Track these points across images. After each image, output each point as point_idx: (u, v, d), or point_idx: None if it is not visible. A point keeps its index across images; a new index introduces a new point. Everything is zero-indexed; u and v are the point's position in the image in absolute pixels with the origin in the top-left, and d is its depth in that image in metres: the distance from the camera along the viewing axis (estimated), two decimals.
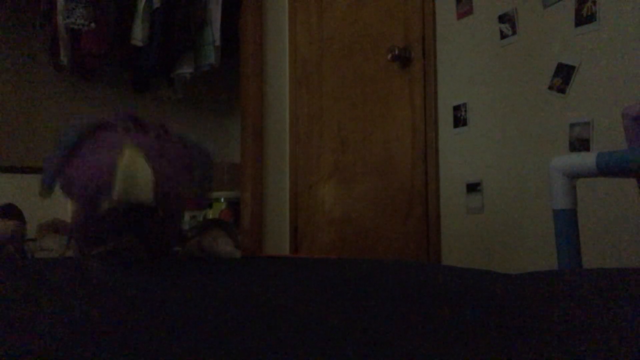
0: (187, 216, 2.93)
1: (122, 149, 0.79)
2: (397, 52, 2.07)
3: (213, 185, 1.00)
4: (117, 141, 0.86)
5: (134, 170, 0.78)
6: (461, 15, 1.91)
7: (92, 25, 2.54)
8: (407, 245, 2.05)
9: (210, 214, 2.94)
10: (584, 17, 1.53)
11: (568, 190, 1.08)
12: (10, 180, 2.87)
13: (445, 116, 1.95)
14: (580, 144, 1.53)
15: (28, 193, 2.86)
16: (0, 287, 0.63)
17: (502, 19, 1.76)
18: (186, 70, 2.80)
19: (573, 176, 1.08)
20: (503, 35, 1.76)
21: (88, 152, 0.86)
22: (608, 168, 1.01)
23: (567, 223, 1.09)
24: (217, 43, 2.76)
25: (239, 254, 1.03)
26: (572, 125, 1.55)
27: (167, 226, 0.93)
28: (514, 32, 1.72)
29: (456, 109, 1.91)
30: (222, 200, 2.91)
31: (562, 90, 1.58)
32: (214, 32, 2.76)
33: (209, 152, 1.00)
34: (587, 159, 1.04)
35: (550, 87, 1.61)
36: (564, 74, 1.58)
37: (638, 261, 1.38)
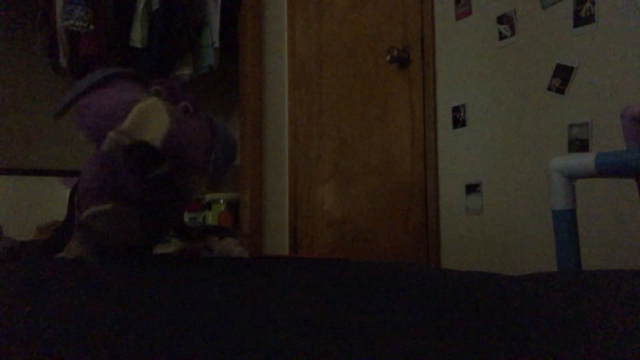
0: (186, 217, 2.92)
1: (146, 97, 0.76)
2: (396, 53, 2.07)
3: (228, 173, 0.93)
4: (142, 94, 0.81)
5: (151, 111, 0.74)
6: (460, 16, 1.91)
7: (91, 27, 2.54)
8: (406, 246, 2.05)
9: (210, 215, 2.93)
10: (582, 18, 1.53)
11: (567, 191, 1.08)
12: (10, 181, 2.86)
13: (444, 117, 1.95)
14: (579, 145, 1.53)
15: (28, 194, 2.86)
16: (2, 288, 0.63)
17: (501, 19, 1.76)
18: (185, 72, 2.79)
19: (572, 177, 1.08)
20: (502, 36, 1.76)
21: (111, 90, 0.81)
22: (607, 168, 1.01)
23: (566, 224, 1.09)
24: (216, 45, 2.75)
25: (247, 253, 1.04)
26: (571, 126, 1.55)
27: (167, 194, 0.84)
28: (513, 33, 1.72)
29: (455, 109, 1.91)
30: (222, 201, 2.91)
31: (561, 91, 1.58)
32: (213, 33, 2.76)
33: (234, 139, 0.95)
34: (586, 160, 1.04)
35: (549, 88, 1.61)
36: (563, 75, 1.58)
37: (638, 261, 1.38)
